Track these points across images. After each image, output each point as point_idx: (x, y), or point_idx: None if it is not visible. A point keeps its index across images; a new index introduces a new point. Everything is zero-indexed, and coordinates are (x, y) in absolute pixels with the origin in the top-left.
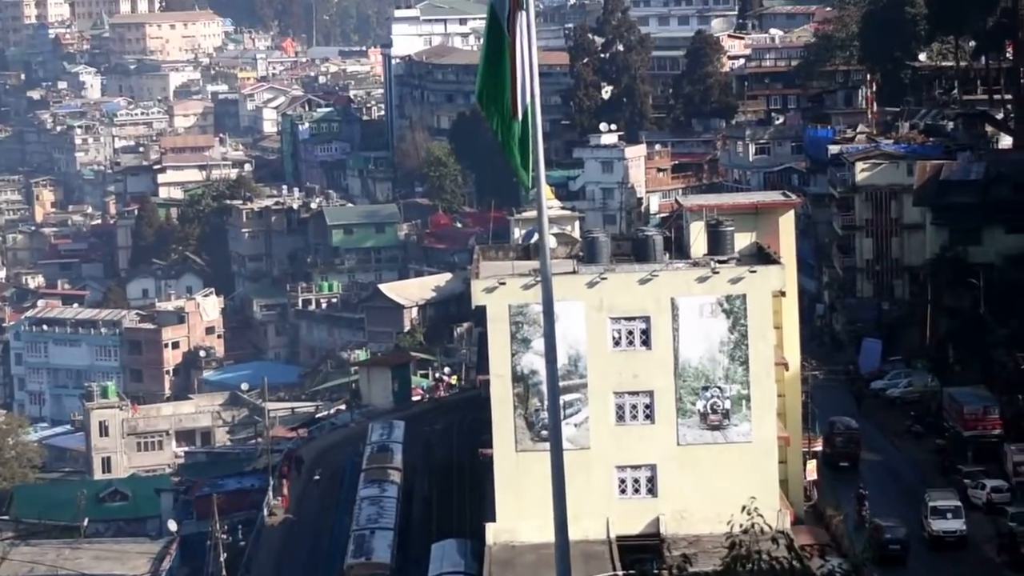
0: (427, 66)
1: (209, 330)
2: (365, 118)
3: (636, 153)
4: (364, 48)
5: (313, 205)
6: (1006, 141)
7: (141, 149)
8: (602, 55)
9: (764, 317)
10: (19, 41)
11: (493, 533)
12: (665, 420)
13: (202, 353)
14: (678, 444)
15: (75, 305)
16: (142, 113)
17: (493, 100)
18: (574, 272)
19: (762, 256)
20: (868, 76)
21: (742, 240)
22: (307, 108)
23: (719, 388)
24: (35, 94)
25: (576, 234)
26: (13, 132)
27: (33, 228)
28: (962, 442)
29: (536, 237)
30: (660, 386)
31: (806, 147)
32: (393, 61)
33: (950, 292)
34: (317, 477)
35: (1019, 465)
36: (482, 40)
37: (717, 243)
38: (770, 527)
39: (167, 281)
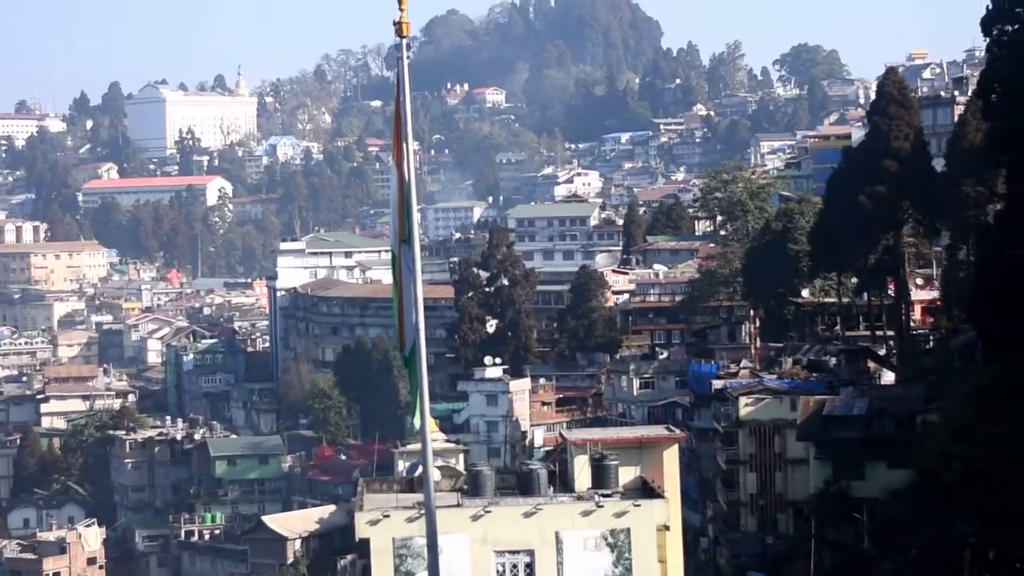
0: (312, 298)
1: (91, 560)
2: (250, 349)
3: (521, 387)
4: (249, 280)
5: (197, 436)
6: (888, 377)
7: (24, 378)
8: (487, 289)
9: (649, 551)
10: None
11: None
12: None
13: None
14: None
15: None
16: (25, 343)
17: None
18: (458, 505)
19: (646, 490)
20: (751, 312)
21: (626, 474)
22: (192, 339)
23: None
24: None
25: (460, 467)
26: None
27: None
28: None
29: (420, 470)
30: None
31: (690, 382)
32: (278, 293)
33: (834, 526)
34: None
35: None
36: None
37: (601, 477)
38: None
39: (49, 511)
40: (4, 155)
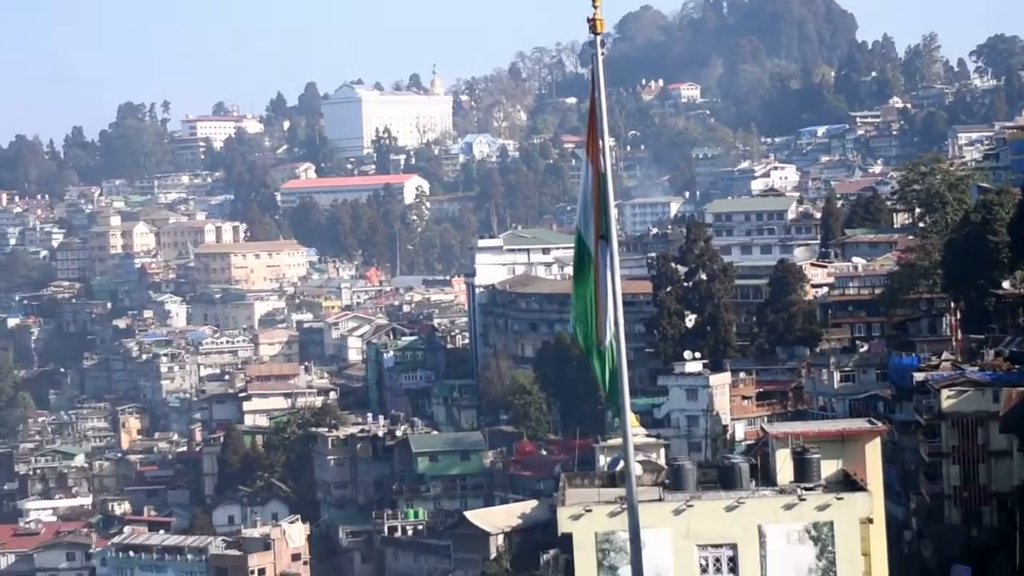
0: (511, 295)
1: (295, 557)
2: (449, 346)
3: (721, 381)
4: (448, 277)
5: (398, 433)
6: None
7: (226, 377)
8: (685, 284)
9: (852, 544)
10: (105, 271)
11: None
12: None
13: None
14: None
15: (161, 531)
16: (227, 341)
17: (583, 326)
18: (660, 500)
19: (849, 483)
20: (952, 304)
21: (828, 467)
22: (391, 337)
23: None
24: (121, 323)
25: (662, 462)
26: (99, 360)
27: (119, 455)
28: None
29: (622, 464)
30: None
31: (891, 375)
32: (477, 290)
33: None
34: None
35: None
36: (572, 270)
37: (803, 470)
38: None
39: (253, 508)
40: (203, 156)
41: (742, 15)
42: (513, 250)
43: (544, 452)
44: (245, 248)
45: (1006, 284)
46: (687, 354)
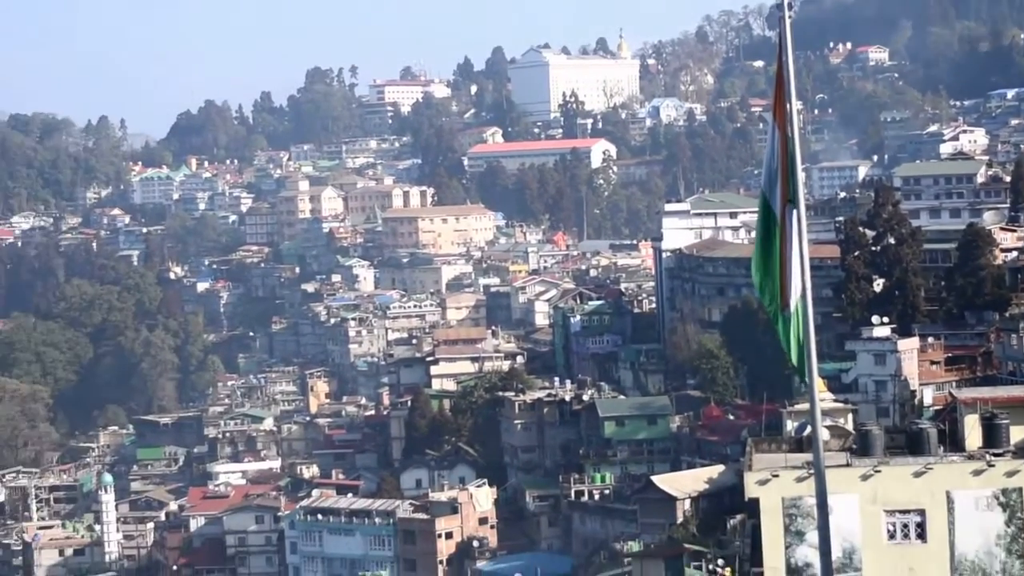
0: (698, 259)
1: (482, 520)
2: (636, 311)
3: (909, 346)
4: (634, 241)
5: (585, 397)
6: None
7: (414, 341)
8: (873, 248)
9: None
10: (294, 235)
11: None
12: None
13: (475, 543)
14: None
15: (349, 495)
16: (415, 306)
17: (769, 291)
18: (848, 465)
19: None
20: None
21: (1018, 433)
22: (578, 301)
23: None
24: (309, 287)
25: (849, 427)
26: (288, 324)
27: (308, 418)
28: None
29: (809, 430)
30: None
31: None
32: (663, 254)
33: None
34: None
35: None
36: (755, 233)
37: (992, 436)
38: None
39: (440, 472)
40: (390, 121)
41: None
42: (700, 214)
43: (731, 417)
44: (432, 212)
45: None
46: (875, 319)
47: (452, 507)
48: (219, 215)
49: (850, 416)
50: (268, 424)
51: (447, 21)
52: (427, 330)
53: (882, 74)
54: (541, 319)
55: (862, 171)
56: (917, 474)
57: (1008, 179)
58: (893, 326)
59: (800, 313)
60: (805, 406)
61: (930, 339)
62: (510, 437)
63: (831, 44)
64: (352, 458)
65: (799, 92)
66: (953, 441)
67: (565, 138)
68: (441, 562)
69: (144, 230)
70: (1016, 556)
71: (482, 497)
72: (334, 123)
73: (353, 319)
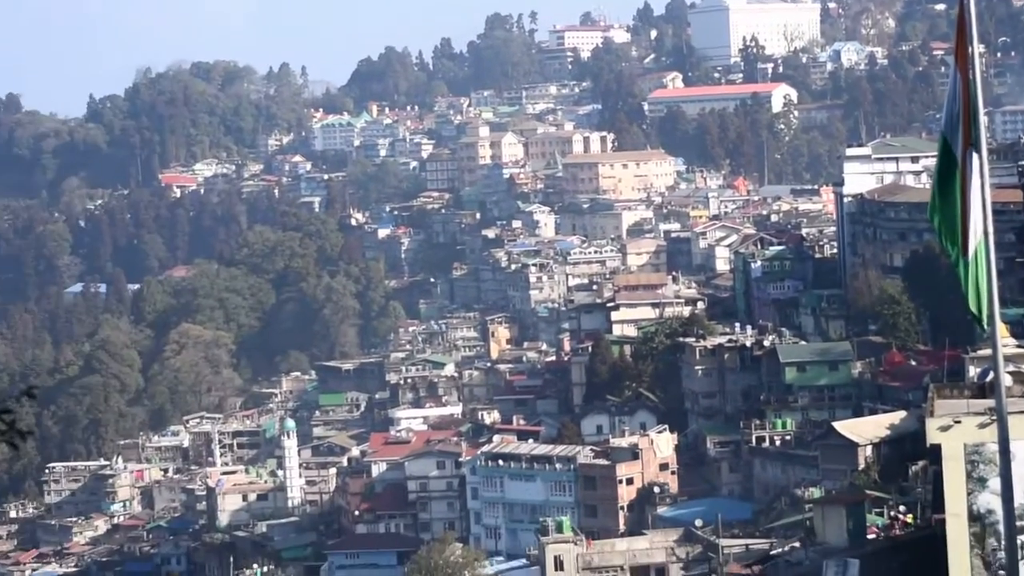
0: (879, 204)
1: (663, 466)
2: (817, 256)
3: None
4: (816, 186)
5: (766, 343)
6: None
7: (594, 287)
8: None
9: None
10: (474, 181)
11: None
12: None
13: (656, 489)
14: None
15: (530, 441)
16: (595, 251)
17: (949, 236)
18: None
19: None
20: None
21: None
22: (759, 246)
23: None
24: (490, 233)
25: None
26: (469, 270)
27: (488, 364)
28: None
29: (991, 375)
30: None
31: None
32: (844, 199)
33: None
34: None
35: None
36: (934, 177)
37: None
38: None
39: (620, 417)
40: (570, 67)
41: None
42: (881, 159)
43: (913, 363)
44: (612, 158)
45: None
46: None
47: (633, 453)
48: (400, 161)
49: None
50: (449, 370)
51: None
52: (607, 276)
53: None
54: (721, 264)
55: None
56: None
57: None
58: None
59: (981, 258)
60: (987, 352)
61: None
62: (691, 383)
63: None
64: (533, 404)
65: (981, 35)
66: None
67: (745, 83)
68: (622, 508)
69: (325, 176)
70: None
71: (663, 443)
72: (514, 69)
73: (534, 265)
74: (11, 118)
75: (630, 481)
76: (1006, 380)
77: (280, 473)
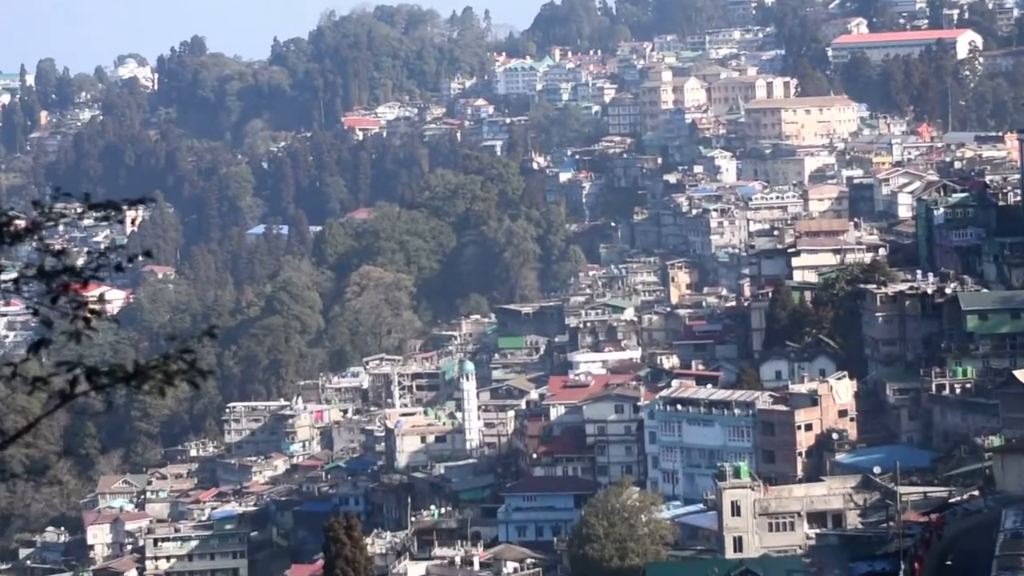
0: None
1: (842, 413)
2: (1001, 203)
3: None
4: (1000, 133)
5: (947, 290)
6: None
7: (775, 232)
8: None
9: None
10: (656, 126)
11: None
12: None
13: (835, 436)
14: None
15: (708, 386)
16: (777, 197)
17: None
18: None
19: None
20: None
21: None
22: (942, 193)
23: None
24: (671, 178)
25: None
26: (650, 215)
27: (668, 309)
28: None
29: None
30: None
31: None
32: None
33: None
34: (949, 563)
35: None
36: None
37: None
38: None
39: (800, 364)
40: (754, 12)
41: None
42: None
43: None
44: (795, 104)
45: None
46: None
47: (812, 399)
48: (582, 105)
49: None
50: (629, 314)
51: None
52: (789, 221)
53: None
54: (904, 211)
55: None
56: None
57: None
58: None
59: None
60: None
61: None
62: (871, 329)
63: None
64: (712, 349)
65: None
66: None
67: (931, 28)
68: (800, 454)
69: (507, 120)
70: None
71: (842, 389)
72: (697, 14)
73: (715, 210)
74: (196, 60)
75: (808, 427)
76: None
77: (458, 415)
